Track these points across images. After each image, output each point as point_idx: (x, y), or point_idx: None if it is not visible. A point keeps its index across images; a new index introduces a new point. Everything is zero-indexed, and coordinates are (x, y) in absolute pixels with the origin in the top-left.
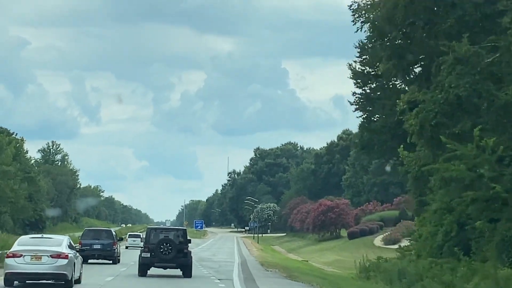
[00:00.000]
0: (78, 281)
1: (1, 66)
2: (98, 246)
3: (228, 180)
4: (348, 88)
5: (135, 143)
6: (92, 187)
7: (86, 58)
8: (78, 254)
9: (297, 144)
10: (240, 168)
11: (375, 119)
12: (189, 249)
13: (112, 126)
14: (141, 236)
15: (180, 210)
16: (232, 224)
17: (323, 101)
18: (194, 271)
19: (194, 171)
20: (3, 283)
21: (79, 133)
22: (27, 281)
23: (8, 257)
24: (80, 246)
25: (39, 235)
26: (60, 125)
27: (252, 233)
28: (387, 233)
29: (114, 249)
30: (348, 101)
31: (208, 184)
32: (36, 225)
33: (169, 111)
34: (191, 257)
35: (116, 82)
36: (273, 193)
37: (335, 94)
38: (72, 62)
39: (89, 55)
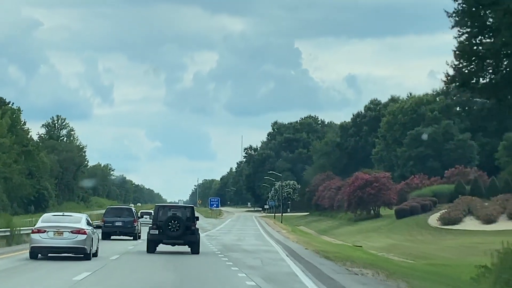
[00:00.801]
0: (95, 254)
1: (13, 47)
2: (120, 224)
3: (245, 157)
4: (362, 67)
5: (147, 124)
6: (102, 165)
7: (98, 38)
8: (95, 230)
9: (317, 118)
10: (255, 146)
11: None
12: (197, 226)
13: (124, 107)
14: (152, 214)
15: (193, 189)
16: (249, 203)
17: (336, 81)
18: (229, 280)
19: (207, 151)
20: (29, 256)
21: (92, 114)
22: (49, 254)
23: (33, 232)
24: (103, 223)
25: (61, 213)
26: (73, 106)
27: (270, 212)
28: (443, 211)
29: (135, 226)
30: (445, 11)
31: (222, 164)
32: (38, 204)
33: (181, 91)
34: (199, 234)
35: (128, 62)
36: (293, 170)
37: (348, 73)
38: (84, 43)
39: (101, 35)
